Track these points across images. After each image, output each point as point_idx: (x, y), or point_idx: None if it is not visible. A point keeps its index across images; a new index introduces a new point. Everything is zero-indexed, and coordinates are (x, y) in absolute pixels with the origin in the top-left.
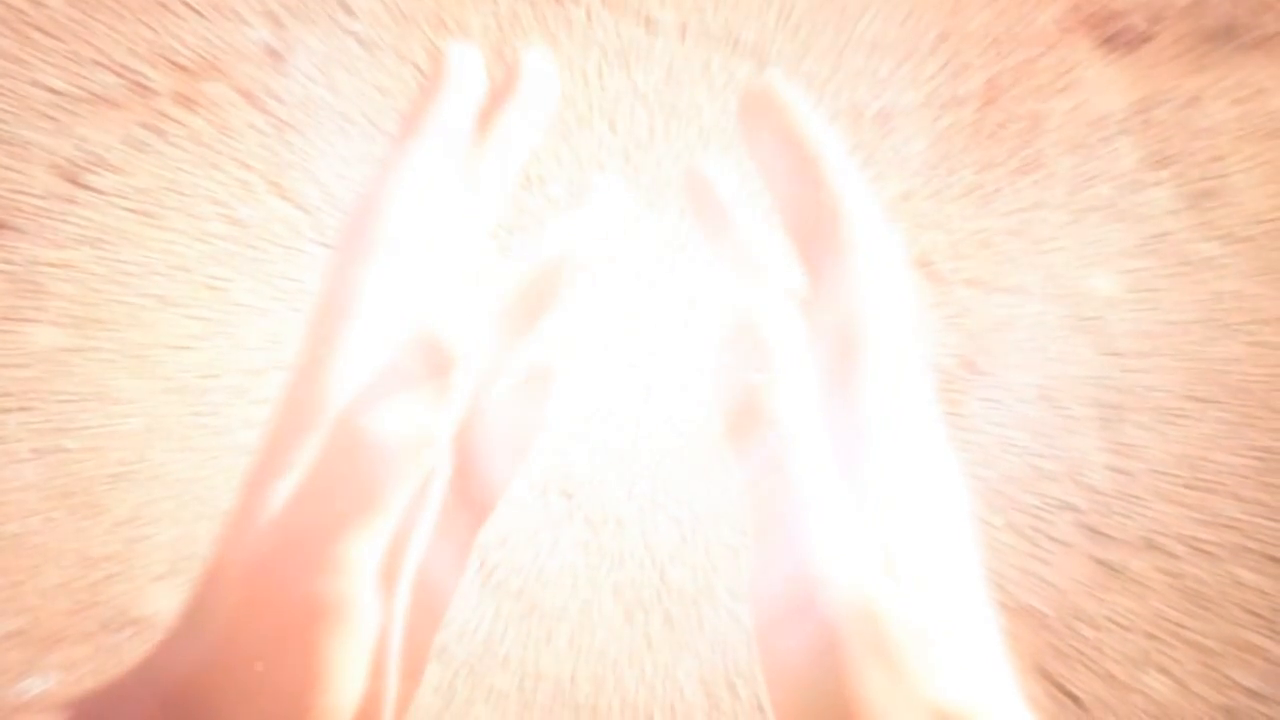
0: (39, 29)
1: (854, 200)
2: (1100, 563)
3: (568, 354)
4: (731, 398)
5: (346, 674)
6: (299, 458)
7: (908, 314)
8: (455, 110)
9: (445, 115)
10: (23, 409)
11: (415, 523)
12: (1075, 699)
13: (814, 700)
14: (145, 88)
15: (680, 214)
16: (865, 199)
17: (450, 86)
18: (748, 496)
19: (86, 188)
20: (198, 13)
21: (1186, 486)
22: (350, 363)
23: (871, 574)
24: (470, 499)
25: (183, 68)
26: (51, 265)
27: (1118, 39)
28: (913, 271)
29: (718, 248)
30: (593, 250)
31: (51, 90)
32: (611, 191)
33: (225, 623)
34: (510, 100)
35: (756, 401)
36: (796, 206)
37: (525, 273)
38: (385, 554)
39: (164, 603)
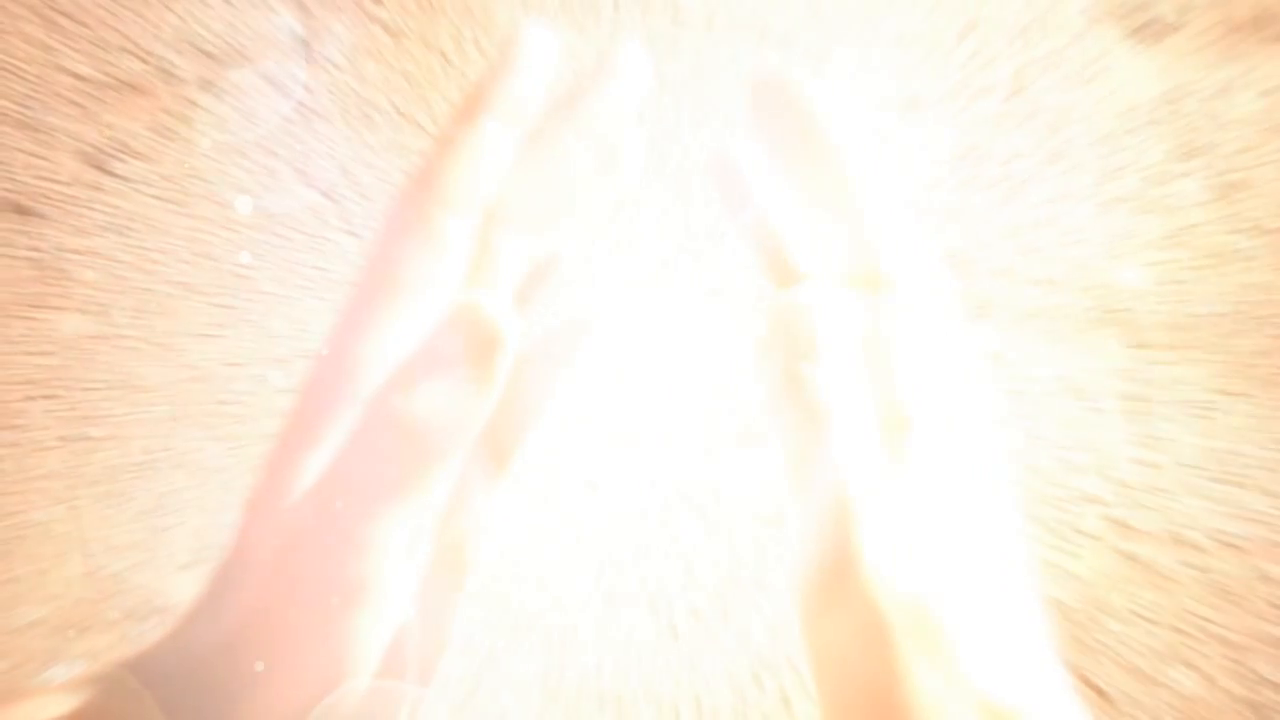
0: (65, 15)
1: (893, 233)
2: (1127, 556)
3: (595, 316)
4: (777, 384)
5: (372, 655)
6: (332, 433)
7: (950, 329)
8: (524, 90)
9: (514, 94)
10: (48, 396)
11: (441, 497)
12: (1101, 692)
13: (863, 693)
14: (171, 74)
15: (707, 204)
16: (904, 227)
17: (522, 65)
18: (791, 482)
19: (112, 174)
20: None
21: (1214, 480)
22: (389, 338)
23: (922, 565)
24: (488, 454)
25: (209, 54)
26: (77, 252)
27: (1146, 29)
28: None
29: (744, 234)
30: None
31: (78, 76)
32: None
33: (251, 600)
34: (597, 89)
35: (802, 389)
36: (822, 216)
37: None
38: (414, 531)
39: (188, 592)
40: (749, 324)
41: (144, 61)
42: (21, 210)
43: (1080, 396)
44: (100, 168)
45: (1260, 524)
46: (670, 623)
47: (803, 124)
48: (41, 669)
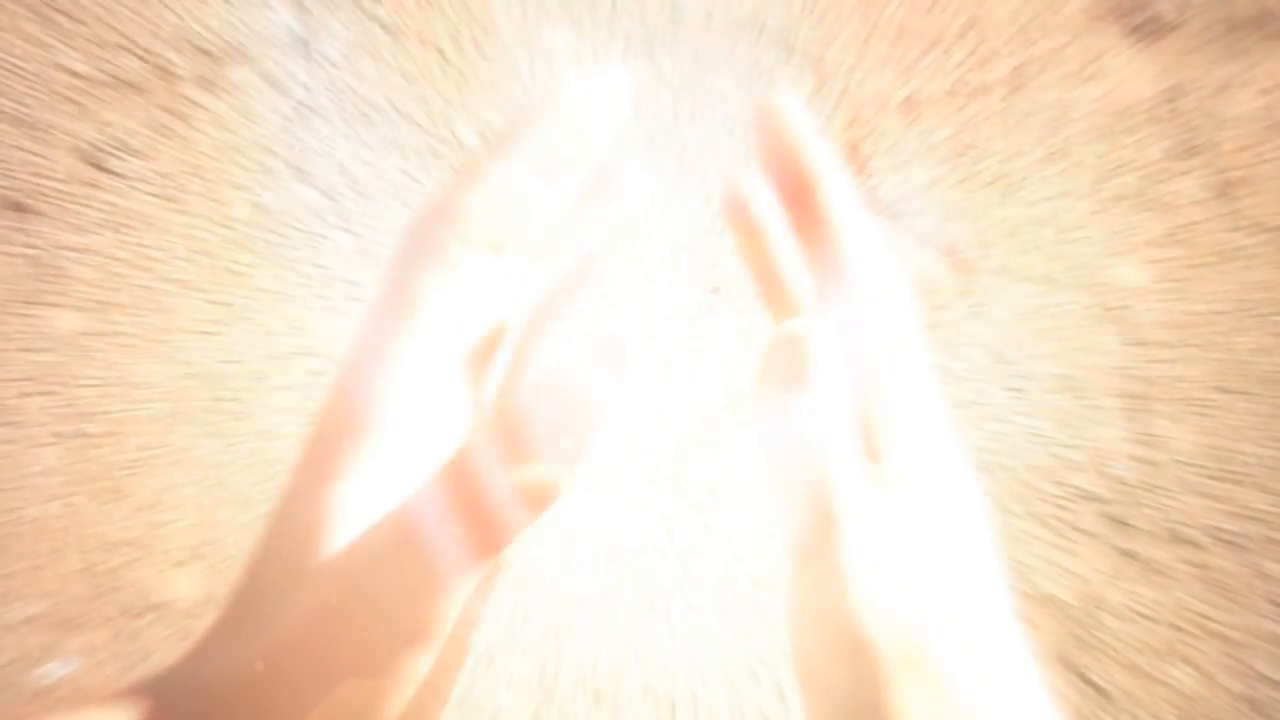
0: (62, 12)
1: (852, 230)
2: (1125, 553)
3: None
4: (771, 413)
5: (414, 686)
6: (357, 469)
7: (908, 331)
8: (568, 136)
9: (555, 138)
10: (44, 393)
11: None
12: (1099, 689)
13: (851, 714)
14: (168, 72)
15: (705, 199)
16: (862, 227)
17: (575, 114)
18: (781, 506)
19: (109, 172)
20: None
21: (1212, 478)
22: (405, 369)
23: (908, 590)
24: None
25: (206, 52)
26: (73, 249)
27: (1145, 27)
28: (915, 284)
29: (755, 265)
30: (613, 236)
31: (74, 74)
32: (636, 179)
33: (296, 623)
34: (574, 112)
35: (794, 417)
36: (799, 225)
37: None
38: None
39: (184, 588)
40: (749, 321)
41: (142, 59)
42: (19, 208)
43: (1079, 394)
44: (98, 165)
45: (1258, 521)
46: (666, 619)
47: (795, 164)
48: (37, 665)
